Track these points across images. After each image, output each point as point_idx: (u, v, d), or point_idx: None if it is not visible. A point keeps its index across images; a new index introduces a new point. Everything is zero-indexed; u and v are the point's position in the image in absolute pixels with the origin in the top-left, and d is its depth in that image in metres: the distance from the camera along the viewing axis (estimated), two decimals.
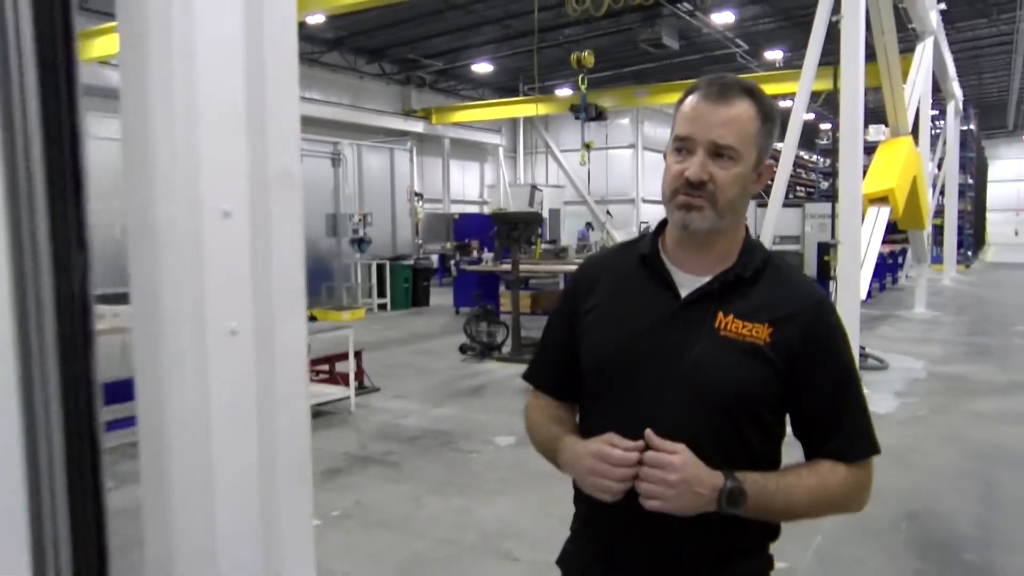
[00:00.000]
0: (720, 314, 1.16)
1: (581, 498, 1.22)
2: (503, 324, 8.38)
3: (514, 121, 23.57)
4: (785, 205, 10.02)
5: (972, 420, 5.70)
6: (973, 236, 24.68)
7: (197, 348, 0.76)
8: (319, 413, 5.59)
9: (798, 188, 28.56)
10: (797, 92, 7.64)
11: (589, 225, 19.62)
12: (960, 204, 19.49)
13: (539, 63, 13.79)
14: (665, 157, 1.20)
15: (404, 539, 3.60)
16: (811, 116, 20.59)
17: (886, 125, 10.02)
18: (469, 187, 24.00)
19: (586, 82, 12.59)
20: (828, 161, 28.00)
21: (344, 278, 12.24)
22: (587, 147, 13.49)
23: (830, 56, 7.02)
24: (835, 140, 7.11)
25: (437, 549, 3.49)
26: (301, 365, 0.87)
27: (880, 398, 6.14)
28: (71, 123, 0.57)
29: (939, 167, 17.58)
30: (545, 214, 14.78)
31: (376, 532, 3.69)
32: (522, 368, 1.46)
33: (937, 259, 17.83)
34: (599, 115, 13.91)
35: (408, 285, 13.09)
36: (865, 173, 8.13)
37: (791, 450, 1.23)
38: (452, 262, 16.00)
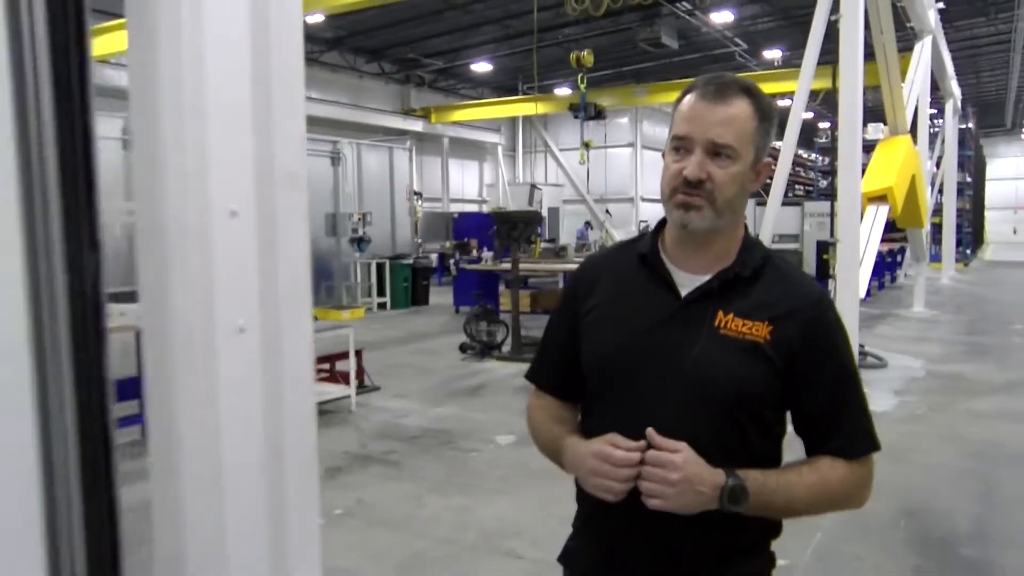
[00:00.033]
0: (720, 313, 1.16)
1: (583, 496, 1.23)
2: (503, 323, 8.39)
3: (513, 120, 23.56)
4: (784, 204, 10.03)
5: (970, 418, 5.72)
6: (971, 234, 24.71)
7: (206, 345, 0.77)
8: (320, 412, 5.60)
9: (797, 186, 28.58)
10: (796, 91, 7.65)
11: (588, 224, 19.62)
12: (958, 202, 19.51)
13: (538, 62, 13.79)
14: (663, 156, 1.21)
15: (405, 538, 3.61)
16: (810, 115, 20.61)
17: (885, 124, 10.03)
18: (468, 186, 24.00)
19: (585, 81, 12.59)
20: (827, 159, 28.02)
21: (343, 277, 12.24)
22: (586, 146, 13.49)
23: (829, 55, 7.04)
24: (834, 139, 7.13)
25: (438, 548, 3.50)
26: (307, 361, 0.88)
27: (879, 396, 6.16)
28: (83, 125, 0.58)
29: (938, 165, 17.60)
30: (544, 213, 14.76)
31: (377, 530, 3.70)
32: (522, 367, 1.47)
33: (936, 257, 17.85)
34: (598, 114, 13.91)
35: (407, 284, 13.10)
36: (864, 172, 8.15)
37: (791, 449, 1.24)
38: (451, 261, 16.01)
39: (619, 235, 17.16)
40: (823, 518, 3.44)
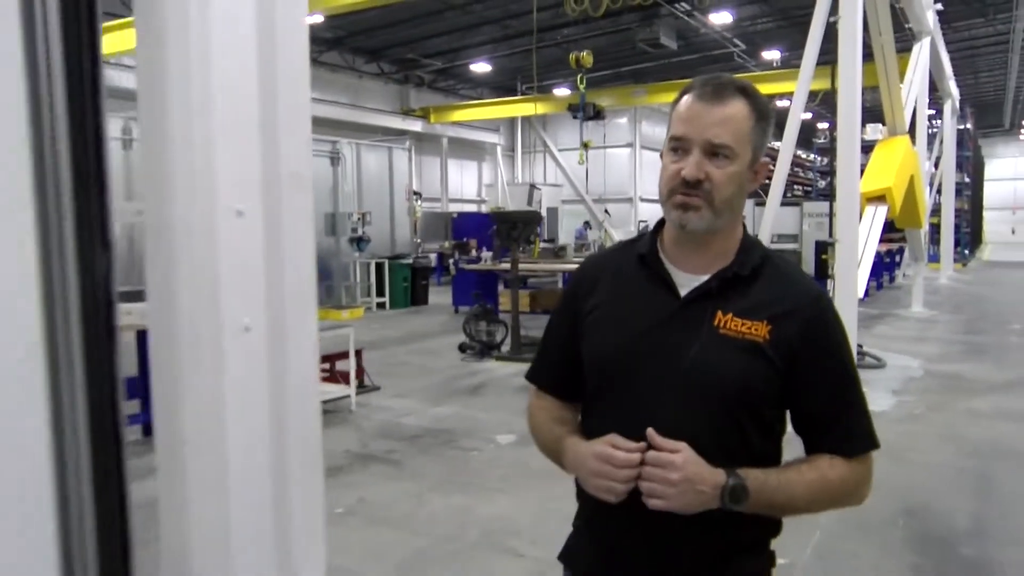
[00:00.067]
0: (719, 312, 1.17)
1: (584, 496, 1.24)
2: (502, 323, 8.40)
3: (512, 120, 23.57)
4: (783, 204, 10.06)
5: (969, 418, 5.73)
6: (970, 235, 24.75)
7: (213, 344, 0.77)
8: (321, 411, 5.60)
9: (796, 187, 28.60)
10: (795, 91, 7.66)
11: (587, 224, 19.63)
12: (957, 203, 19.56)
13: (537, 63, 13.80)
14: (661, 157, 1.22)
15: (406, 536, 3.62)
16: (809, 115, 20.62)
17: (883, 124, 10.05)
18: (467, 186, 24.00)
19: (585, 82, 12.59)
20: (826, 160, 28.07)
21: (343, 277, 12.24)
22: (585, 146, 13.50)
23: (828, 56, 7.05)
24: (833, 139, 7.14)
25: (439, 546, 3.51)
26: (313, 360, 0.88)
27: (877, 396, 6.17)
28: (95, 126, 0.59)
29: (936, 166, 17.63)
30: (543, 213, 14.76)
31: (378, 529, 3.71)
32: (521, 367, 1.48)
33: (934, 258, 17.87)
34: (597, 114, 13.90)
35: (407, 284, 13.11)
36: (862, 172, 8.17)
37: (791, 447, 1.25)
38: (451, 261, 16.01)
39: (618, 235, 17.16)
40: (822, 517, 3.46)
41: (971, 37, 18.24)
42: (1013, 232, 39.07)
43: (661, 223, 1.27)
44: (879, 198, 8.67)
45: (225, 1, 0.75)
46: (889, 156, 9.28)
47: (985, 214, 33.18)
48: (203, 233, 0.76)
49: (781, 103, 14.51)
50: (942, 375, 7.25)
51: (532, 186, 18.51)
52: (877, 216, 8.55)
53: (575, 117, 13.47)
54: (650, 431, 1.11)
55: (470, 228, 17.21)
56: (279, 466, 0.85)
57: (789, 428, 1.25)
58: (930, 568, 3.33)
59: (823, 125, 27.52)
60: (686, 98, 1.18)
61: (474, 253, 15.00)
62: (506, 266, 9.58)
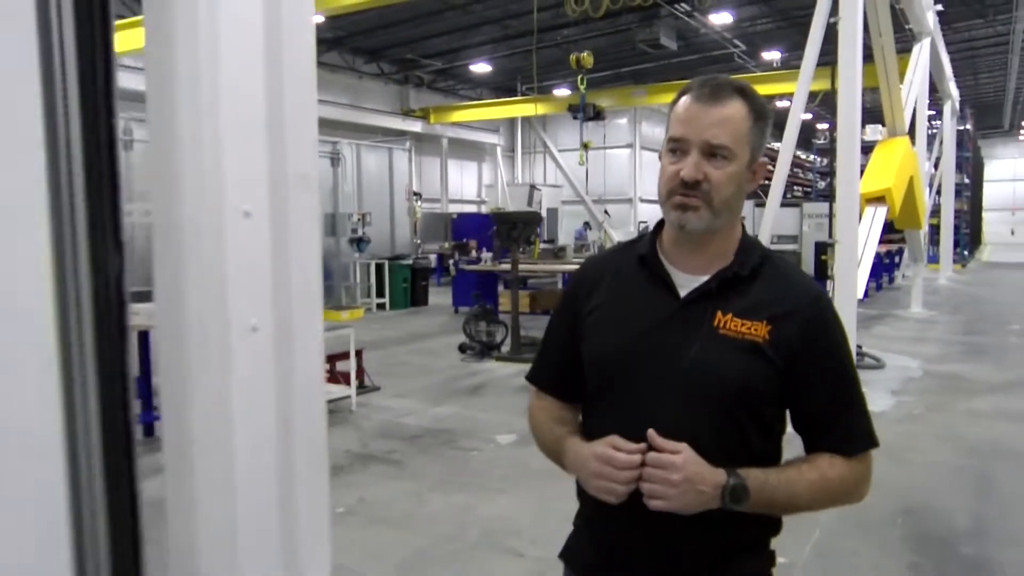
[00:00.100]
0: (719, 313, 1.18)
1: (584, 494, 1.24)
2: (502, 323, 8.40)
3: (512, 121, 23.57)
4: (783, 205, 10.06)
5: (968, 418, 5.74)
6: (969, 235, 24.76)
7: (220, 343, 0.78)
8: None
9: (796, 188, 28.62)
10: (795, 92, 7.67)
11: (587, 224, 19.64)
12: (956, 204, 19.57)
13: (537, 63, 13.80)
14: (660, 158, 1.22)
15: (406, 536, 3.63)
16: (809, 116, 20.63)
17: (883, 125, 10.06)
18: (467, 187, 24.01)
19: (585, 82, 12.60)
20: (825, 161, 28.07)
21: (343, 277, 12.25)
22: (585, 147, 13.50)
23: (828, 56, 7.06)
24: (832, 140, 7.15)
25: (439, 546, 3.52)
26: (319, 360, 0.89)
27: (877, 397, 6.18)
28: (108, 128, 0.60)
29: (936, 167, 17.64)
30: (544, 214, 14.78)
31: (379, 528, 3.72)
32: (521, 367, 1.49)
33: (933, 258, 17.88)
34: (597, 115, 13.90)
35: (407, 285, 13.11)
36: (862, 173, 8.18)
37: (790, 446, 1.26)
38: (451, 261, 16.02)
39: (618, 236, 17.18)
40: (822, 516, 3.48)
41: (971, 38, 18.25)
42: (1012, 233, 39.08)
43: (661, 224, 1.27)
44: (879, 199, 8.68)
45: (233, 2, 0.76)
46: (889, 157, 9.29)
47: (984, 215, 33.21)
48: (211, 233, 0.77)
49: (781, 104, 14.52)
50: (941, 375, 7.26)
51: (532, 187, 18.52)
52: (877, 217, 8.56)
53: (575, 118, 13.46)
54: (651, 432, 1.12)
55: (470, 229, 17.22)
56: (285, 466, 0.86)
57: (789, 427, 1.25)
58: (929, 567, 3.34)
59: (823, 126, 27.53)
60: (684, 99, 1.19)
61: (474, 254, 15.00)
62: (506, 267, 9.59)
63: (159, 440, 1.32)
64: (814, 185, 29.46)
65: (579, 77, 12.49)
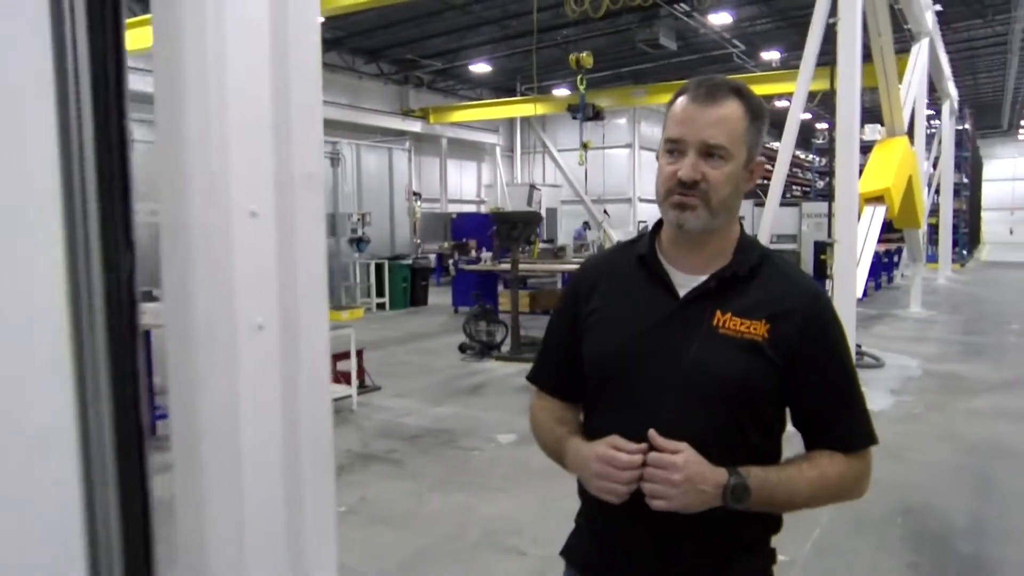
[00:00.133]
0: (718, 312, 1.18)
1: (586, 493, 1.25)
2: (502, 323, 8.41)
3: (511, 121, 23.57)
4: (782, 204, 10.07)
5: (967, 417, 5.76)
6: (968, 235, 24.80)
7: (227, 342, 0.79)
8: None
9: (795, 187, 28.64)
10: (794, 92, 7.68)
11: (586, 224, 19.64)
12: (955, 203, 19.60)
13: (537, 63, 13.81)
14: (658, 158, 1.23)
15: (407, 535, 3.64)
16: (808, 116, 20.66)
17: (882, 125, 10.08)
18: (467, 187, 24.01)
19: (585, 82, 12.61)
20: (825, 160, 28.11)
21: (343, 277, 12.26)
22: (584, 147, 13.51)
23: (827, 56, 7.08)
24: (832, 139, 7.16)
25: (440, 545, 3.53)
26: (324, 359, 0.90)
27: (876, 396, 6.19)
28: (119, 129, 0.60)
29: (934, 166, 17.66)
30: (543, 214, 14.79)
31: (379, 528, 3.73)
32: (521, 367, 1.50)
33: (932, 258, 17.91)
34: (596, 115, 13.91)
35: (406, 284, 13.12)
36: (861, 172, 8.19)
37: (790, 445, 1.27)
38: (450, 261, 16.02)
39: (617, 235, 17.18)
40: (822, 514, 3.49)
41: (970, 38, 18.27)
42: (1011, 232, 39.12)
43: (659, 224, 1.28)
44: (878, 198, 8.70)
45: (240, 3, 0.77)
46: (888, 157, 9.30)
47: (983, 214, 33.24)
48: (218, 234, 0.77)
49: (780, 104, 14.54)
50: (940, 375, 7.27)
51: (531, 186, 18.51)
52: (875, 216, 8.57)
53: (575, 118, 13.48)
54: (651, 432, 1.13)
55: (469, 229, 17.22)
56: (292, 466, 0.87)
57: (789, 425, 1.26)
58: (928, 565, 3.35)
59: (822, 126, 27.56)
60: (681, 100, 1.20)
61: (474, 254, 15.01)
62: (506, 266, 9.60)
63: (161, 438, 1.33)
64: (813, 185, 29.49)
65: (579, 77, 12.50)
